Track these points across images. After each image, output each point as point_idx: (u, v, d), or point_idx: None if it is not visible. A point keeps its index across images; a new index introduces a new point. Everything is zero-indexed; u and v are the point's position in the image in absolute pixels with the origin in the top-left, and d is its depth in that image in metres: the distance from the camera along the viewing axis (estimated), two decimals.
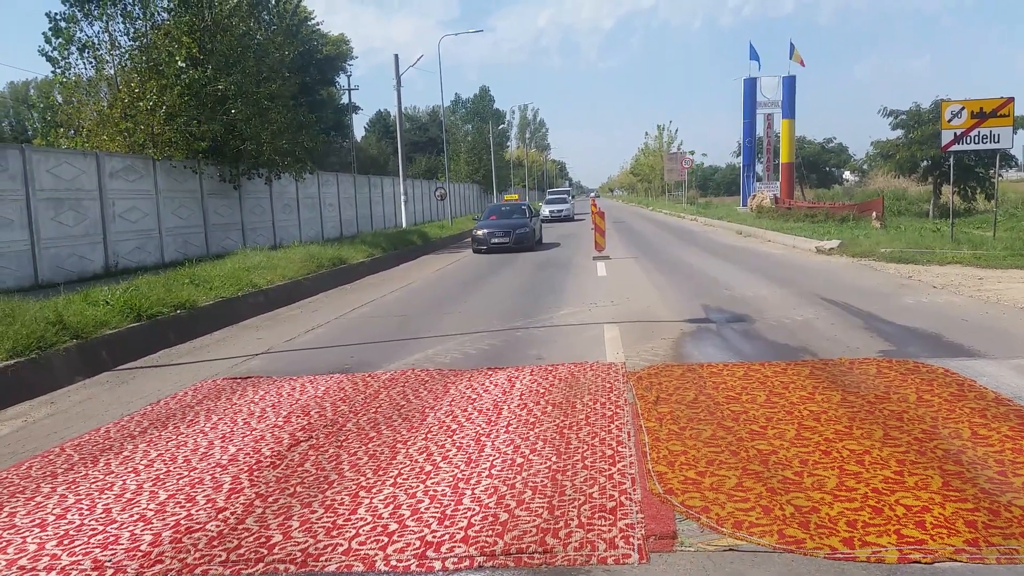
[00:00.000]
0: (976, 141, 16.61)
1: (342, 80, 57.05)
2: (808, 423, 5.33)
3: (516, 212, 25.63)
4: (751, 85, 42.64)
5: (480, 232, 23.06)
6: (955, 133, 16.50)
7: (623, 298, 11.97)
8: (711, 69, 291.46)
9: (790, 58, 41.43)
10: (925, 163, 30.59)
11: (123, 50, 20.30)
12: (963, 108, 16.37)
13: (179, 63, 19.04)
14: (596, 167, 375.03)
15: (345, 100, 57.65)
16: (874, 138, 37.00)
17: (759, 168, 46.22)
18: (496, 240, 22.55)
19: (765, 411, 5.65)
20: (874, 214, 24.95)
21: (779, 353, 7.68)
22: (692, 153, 74.92)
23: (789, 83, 41.73)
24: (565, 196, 47.89)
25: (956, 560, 3.38)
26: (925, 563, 3.37)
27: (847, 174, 65.85)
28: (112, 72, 20.42)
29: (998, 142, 16.60)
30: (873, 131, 74.99)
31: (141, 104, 19.24)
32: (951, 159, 18.81)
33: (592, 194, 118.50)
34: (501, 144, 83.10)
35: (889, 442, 4.88)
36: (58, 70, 19.77)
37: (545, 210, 42.25)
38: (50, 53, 19.52)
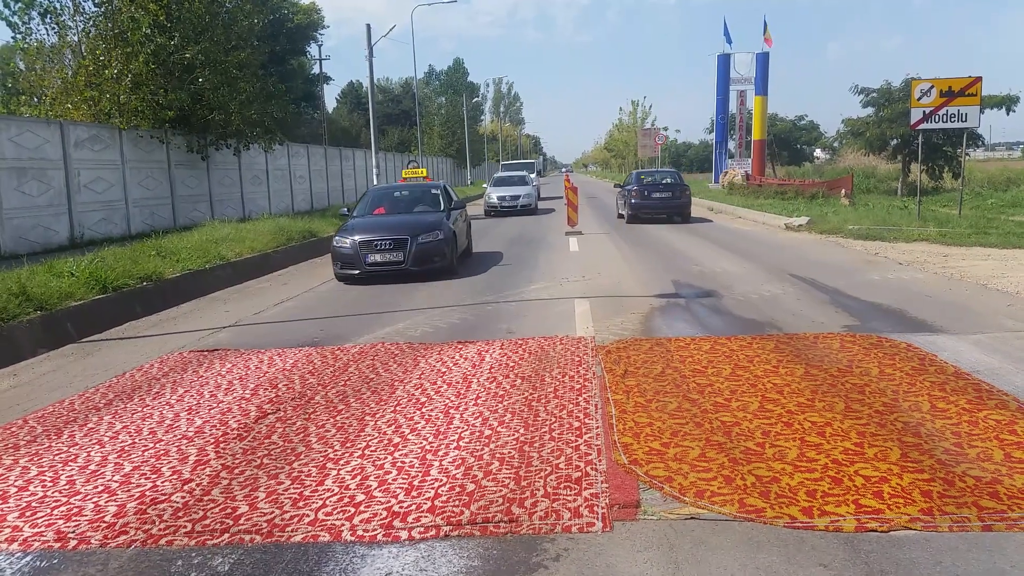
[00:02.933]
0: (944, 120, 16.82)
1: (313, 50, 56.21)
2: (771, 396, 5.42)
3: (420, 202, 14.00)
4: (725, 62, 42.68)
5: (344, 244, 12.02)
6: (924, 112, 16.68)
7: (594, 273, 12.02)
8: (686, 45, 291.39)
9: (763, 35, 41.50)
10: (895, 141, 30.94)
11: (87, 16, 19.83)
12: (932, 87, 16.55)
13: (144, 30, 18.65)
14: (571, 142, 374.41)
15: (316, 70, 56.82)
16: (845, 116, 37.22)
17: (731, 145, 46.44)
18: (374, 259, 11.81)
19: (730, 384, 5.73)
20: (843, 192, 25.22)
21: (745, 327, 7.77)
22: (666, 129, 75.06)
23: (763, 60, 41.83)
24: (524, 175, 31.04)
25: (911, 528, 3.47)
26: (881, 531, 3.45)
27: (818, 152, 66.37)
28: (76, 39, 19.94)
29: (965, 121, 16.83)
30: (845, 109, 76.03)
31: (106, 72, 18.86)
32: (920, 137, 19.01)
33: (566, 169, 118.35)
34: (475, 118, 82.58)
35: (850, 414, 4.97)
36: (18, 35, 19.26)
37: (491, 195, 28.18)
38: (9, 18, 19.02)
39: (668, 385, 5.76)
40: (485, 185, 33.24)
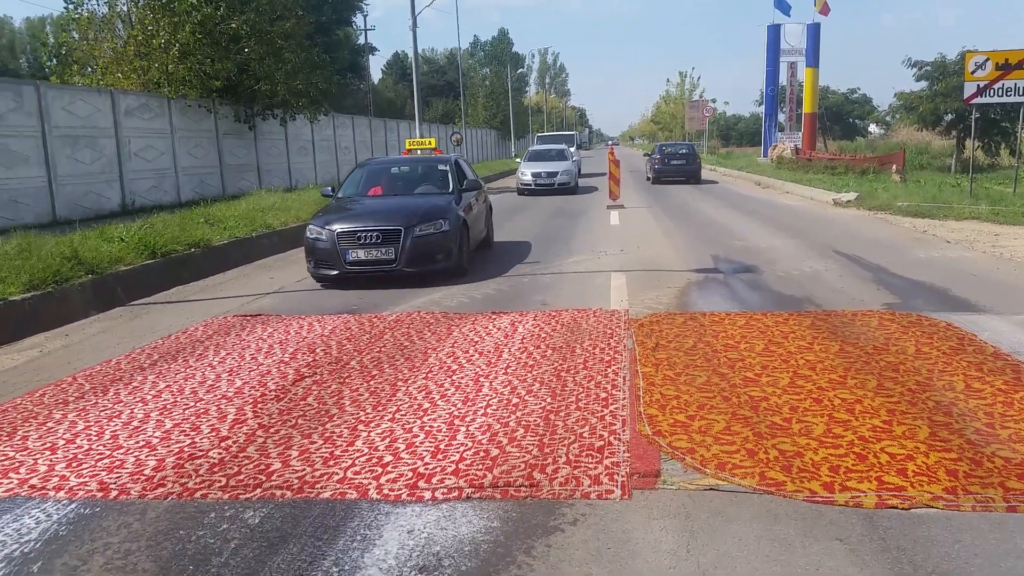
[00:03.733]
0: (1000, 94, 16.27)
1: (359, 21, 56.35)
2: (803, 372, 5.40)
3: (423, 181, 11.35)
4: (775, 32, 41.71)
5: (319, 235, 9.41)
6: (978, 85, 16.16)
7: (633, 247, 11.98)
8: (737, 14, 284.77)
9: (814, 4, 40.38)
10: (949, 116, 30.02)
11: None
12: (987, 59, 16.00)
13: (191, 0, 18.89)
14: (617, 115, 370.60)
15: (361, 41, 56.99)
16: (898, 89, 36.17)
17: (781, 118, 45.52)
18: (357, 255, 9.22)
19: (762, 359, 5.71)
20: (895, 167, 24.63)
21: (783, 303, 7.71)
22: (714, 101, 73.79)
23: (814, 31, 40.78)
24: (563, 148, 27.35)
25: (933, 507, 3.46)
26: (902, 508, 3.45)
27: (872, 126, 64.68)
28: (125, 9, 20.31)
29: (1023, 95, 16.25)
30: (898, 82, 73.75)
31: (154, 42, 19.21)
32: (974, 112, 18.44)
33: (612, 142, 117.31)
34: (520, 89, 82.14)
35: (882, 392, 4.94)
36: (70, 6, 19.67)
37: (524, 172, 24.75)
38: None
39: (698, 359, 5.77)
40: (518, 160, 30.90)
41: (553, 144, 29.76)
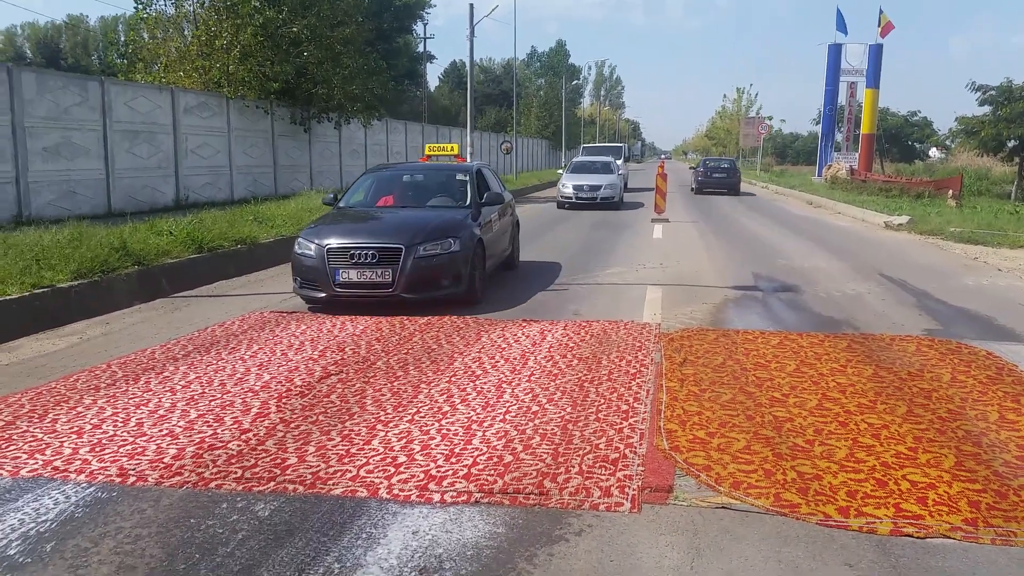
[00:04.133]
0: None
1: (419, 29, 57.02)
2: (832, 394, 5.29)
3: (439, 192, 9.94)
4: (836, 51, 41.01)
5: (307, 250, 8.20)
6: None
7: (673, 261, 11.88)
8: (798, 33, 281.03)
9: (878, 26, 39.63)
10: (1012, 143, 29.13)
11: None
12: None
13: (254, 3, 19.39)
14: (671, 129, 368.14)
15: (421, 49, 57.64)
16: (960, 113, 35.11)
17: (839, 138, 44.71)
18: (348, 277, 7.96)
19: (791, 380, 5.61)
20: (951, 192, 24.00)
21: (821, 325, 7.57)
22: (770, 119, 72.76)
23: (876, 51, 40.01)
24: (609, 161, 25.82)
25: (950, 537, 3.36)
26: (917, 537, 3.36)
27: (933, 150, 63.15)
28: (191, 10, 20.89)
29: None
30: (961, 106, 71.82)
31: (217, 42, 19.71)
32: None
33: (664, 156, 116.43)
34: (574, 100, 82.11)
35: (911, 419, 4.81)
36: (139, 6, 20.31)
37: (566, 184, 23.25)
38: None
39: (726, 376, 5.69)
40: (560, 171, 28.72)
41: (599, 156, 28.34)
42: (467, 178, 9.88)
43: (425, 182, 10.21)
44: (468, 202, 9.40)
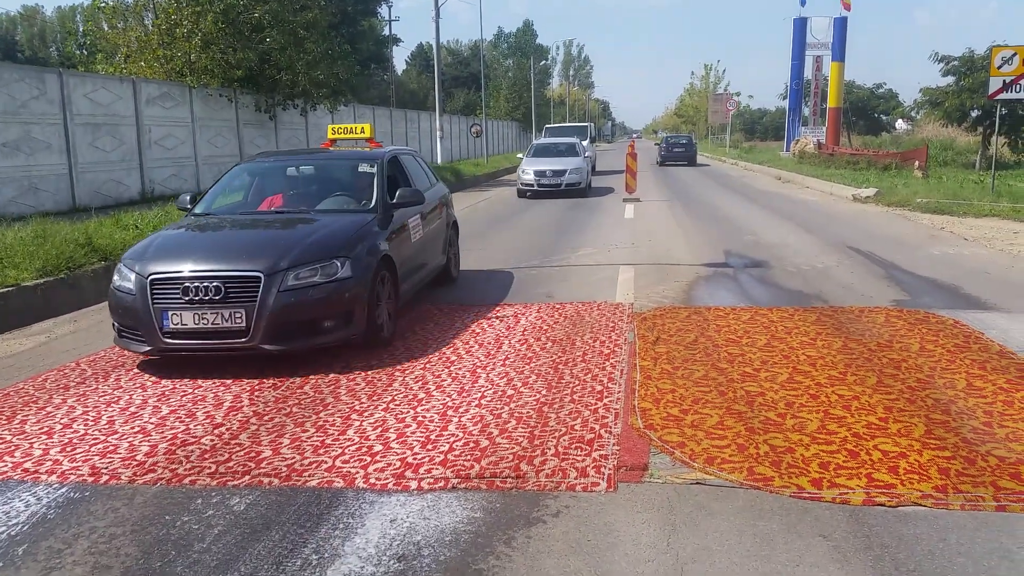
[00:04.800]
0: None
1: (384, 11, 56.42)
2: (803, 368, 5.35)
3: (336, 189, 7.31)
4: (801, 25, 41.22)
5: (124, 285, 5.57)
6: (1004, 81, 15.87)
7: (645, 241, 11.93)
8: (765, 7, 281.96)
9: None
10: (975, 112, 29.47)
11: None
12: (1015, 54, 15.68)
13: None
14: (641, 108, 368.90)
15: (386, 32, 57.08)
16: (924, 85, 35.41)
17: (806, 112, 45.02)
18: (180, 323, 5.32)
19: (762, 354, 5.67)
20: (917, 163, 24.29)
21: (791, 299, 7.65)
22: (738, 95, 72.95)
23: (840, 24, 40.26)
24: (574, 143, 23.09)
25: (921, 505, 3.43)
26: (889, 506, 3.42)
27: (900, 122, 63.75)
28: None
29: None
30: (925, 78, 72.46)
31: (178, 31, 19.33)
32: (999, 108, 18.13)
33: (635, 135, 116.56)
34: (543, 81, 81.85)
35: (881, 389, 4.89)
36: None
37: (526, 170, 20.98)
38: None
39: (698, 353, 5.74)
40: (520, 155, 24.62)
41: (564, 138, 25.40)
42: (373, 170, 7.19)
43: (317, 176, 7.70)
44: (373, 203, 6.80)
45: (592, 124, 41.11)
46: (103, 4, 20.16)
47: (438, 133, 30.83)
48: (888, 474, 3.71)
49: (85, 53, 22.50)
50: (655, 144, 50.54)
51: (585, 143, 26.60)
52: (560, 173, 20.57)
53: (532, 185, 20.72)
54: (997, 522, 3.28)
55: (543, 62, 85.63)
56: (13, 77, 13.76)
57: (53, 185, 14.40)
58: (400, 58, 78.20)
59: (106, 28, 21.14)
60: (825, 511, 3.40)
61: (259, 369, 5.53)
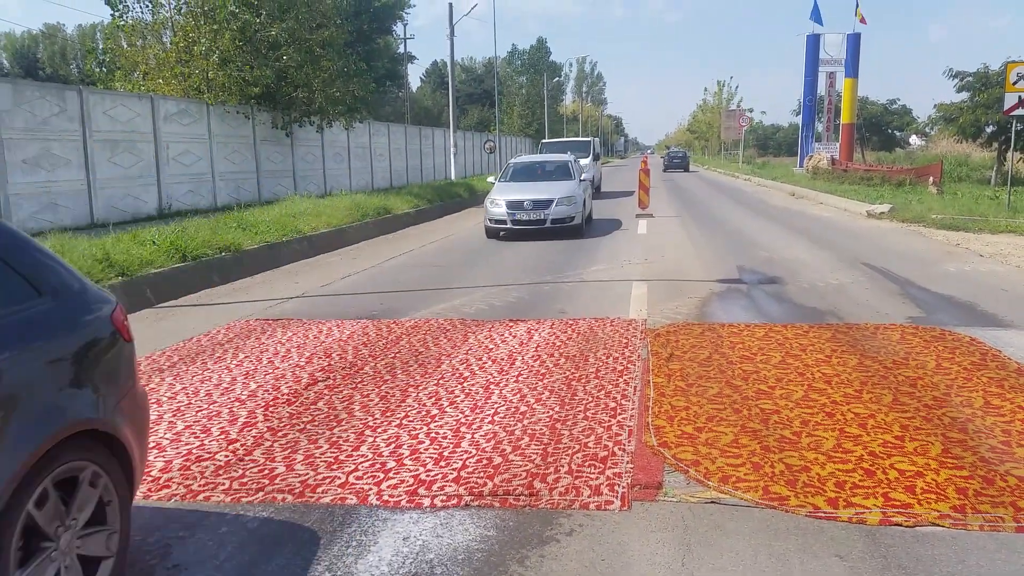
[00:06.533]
0: None
1: (400, 29, 56.83)
2: (818, 385, 5.32)
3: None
4: (814, 42, 41.20)
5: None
6: (1020, 96, 15.80)
7: (658, 256, 11.91)
8: (777, 24, 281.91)
9: (855, 14, 39.87)
10: (990, 128, 29.32)
11: None
12: None
13: (231, 8, 19.25)
14: (654, 124, 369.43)
15: (401, 50, 57.48)
16: (938, 101, 35.32)
17: (819, 128, 44.93)
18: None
19: (777, 372, 5.64)
20: (931, 179, 24.17)
21: (805, 316, 7.61)
22: (751, 111, 72.98)
23: (854, 41, 40.21)
24: (567, 163, 17.25)
25: (939, 525, 3.39)
26: (906, 526, 3.39)
27: (913, 137, 63.48)
28: (168, 16, 20.76)
29: None
30: (939, 94, 72.32)
31: (195, 49, 19.56)
32: (1015, 124, 18.04)
33: (648, 151, 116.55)
34: (556, 98, 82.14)
35: (897, 407, 4.85)
36: (116, 13, 20.14)
37: (496, 200, 15.05)
38: None
39: (712, 370, 5.71)
40: (491, 179, 18.41)
41: (554, 156, 19.27)
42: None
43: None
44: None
45: (596, 139, 31.08)
46: (123, 23, 20.43)
47: (452, 149, 30.96)
48: (905, 493, 3.67)
49: (104, 70, 22.73)
50: (660, 158, 73.48)
51: (586, 161, 22.65)
52: (543, 205, 14.74)
53: (504, 222, 14.93)
54: (1017, 544, 3.24)
55: (556, 79, 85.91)
56: (34, 95, 13.95)
57: (72, 201, 14.55)
58: (415, 75, 78.60)
59: (125, 46, 21.43)
60: (841, 531, 3.37)
61: (275, 385, 5.56)
